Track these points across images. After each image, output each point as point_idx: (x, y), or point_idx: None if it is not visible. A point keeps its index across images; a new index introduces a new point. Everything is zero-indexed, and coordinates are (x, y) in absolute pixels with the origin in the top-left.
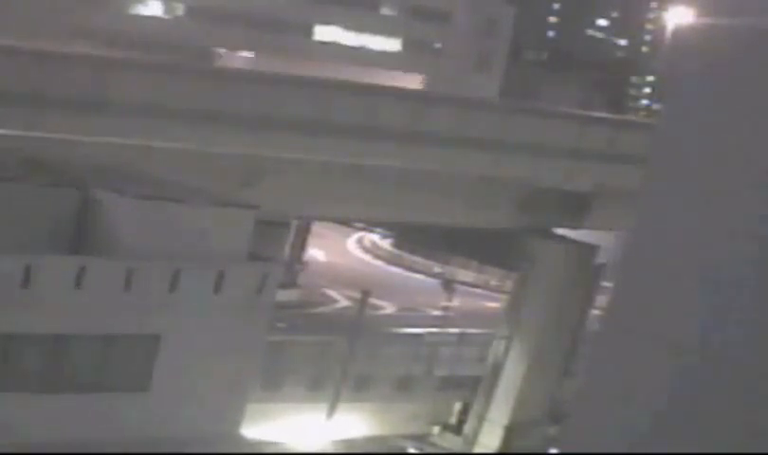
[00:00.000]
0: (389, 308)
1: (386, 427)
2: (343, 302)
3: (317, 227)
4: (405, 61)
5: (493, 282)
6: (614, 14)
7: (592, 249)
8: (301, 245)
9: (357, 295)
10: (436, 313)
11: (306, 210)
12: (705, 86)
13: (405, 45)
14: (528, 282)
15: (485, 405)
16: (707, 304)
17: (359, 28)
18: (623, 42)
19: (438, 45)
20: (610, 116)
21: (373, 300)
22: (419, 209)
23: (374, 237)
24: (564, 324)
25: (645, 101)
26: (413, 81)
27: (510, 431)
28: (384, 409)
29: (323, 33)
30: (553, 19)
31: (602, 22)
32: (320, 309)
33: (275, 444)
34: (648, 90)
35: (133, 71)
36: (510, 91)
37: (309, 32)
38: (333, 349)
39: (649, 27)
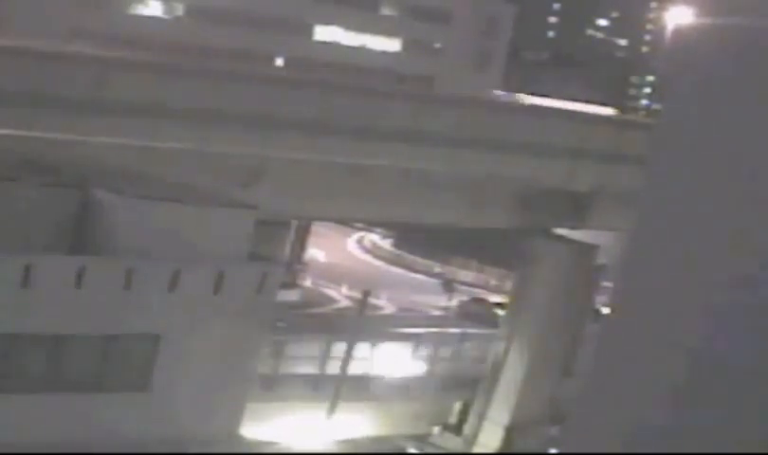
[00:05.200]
0: (389, 308)
1: (386, 427)
2: (343, 302)
3: (317, 227)
4: (405, 61)
5: (493, 282)
6: (614, 14)
7: (592, 249)
8: (301, 245)
9: (358, 295)
10: (436, 313)
11: (306, 210)
12: (705, 86)
13: (405, 45)
14: (528, 282)
15: (485, 405)
16: (707, 304)
17: (359, 28)
18: (623, 42)
19: (438, 45)
20: (610, 116)
21: (372, 300)
22: (419, 209)
23: (374, 237)
24: (564, 324)
25: (645, 101)
26: None
27: (510, 431)
28: (384, 409)
29: (323, 33)
30: (553, 19)
31: (602, 22)
32: (320, 309)
33: (275, 444)
34: (648, 90)
35: (133, 71)
36: (510, 91)
37: (309, 32)
38: (333, 349)
39: (649, 27)
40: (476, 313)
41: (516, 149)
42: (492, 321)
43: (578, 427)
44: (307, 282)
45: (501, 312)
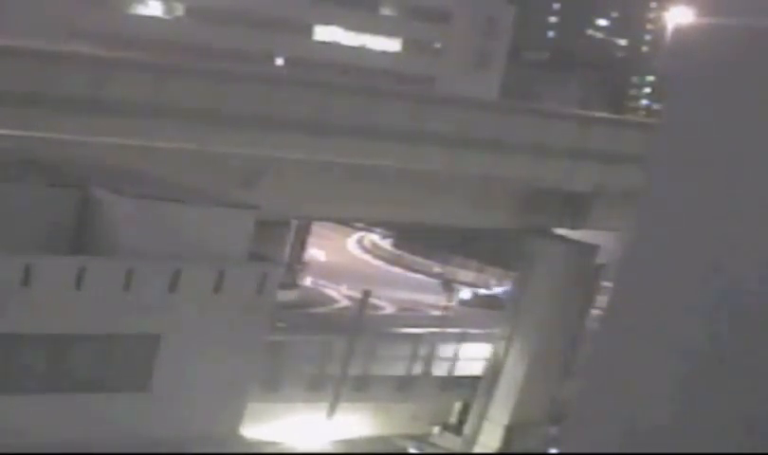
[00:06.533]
0: (389, 308)
1: (386, 428)
2: (343, 302)
3: (317, 227)
4: (405, 61)
5: (493, 282)
6: (614, 14)
7: (592, 249)
8: (301, 245)
9: (358, 294)
10: (436, 313)
11: (306, 210)
12: (705, 86)
13: (405, 45)
14: (528, 282)
15: (485, 405)
16: (707, 304)
17: (359, 28)
18: (623, 42)
19: (438, 45)
20: (610, 116)
21: (372, 300)
22: (419, 209)
23: (374, 237)
24: (564, 324)
25: (645, 101)
26: None
27: (510, 431)
28: (384, 409)
29: (323, 33)
30: (553, 19)
31: (602, 22)
32: (320, 309)
33: (275, 444)
34: (648, 90)
35: (133, 71)
36: (510, 91)
37: (309, 32)
38: (333, 349)
39: (649, 27)
40: None
41: (516, 149)
42: None
43: (578, 427)
44: (307, 282)
45: None
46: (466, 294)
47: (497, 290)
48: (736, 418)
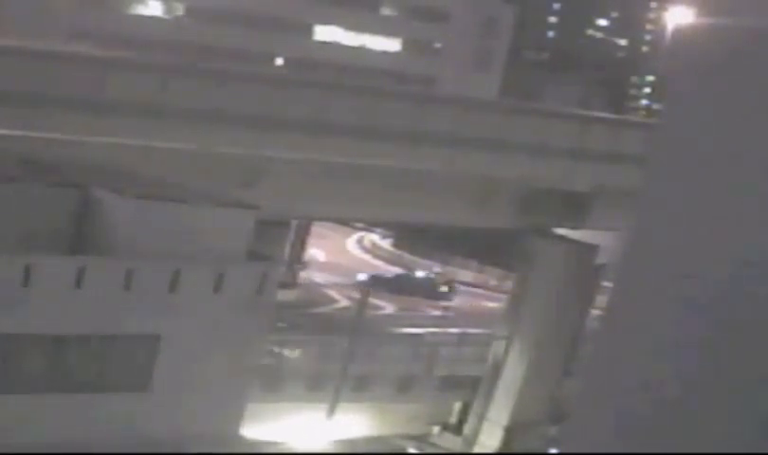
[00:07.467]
0: (388, 308)
1: (386, 427)
2: (343, 302)
3: (317, 227)
4: (405, 61)
5: (493, 282)
6: (614, 14)
7: (592, 249)
8: (301, 245)
9: (357, 294)
10: (436, 313)
11: (306, 210)
12: (705, 86)
13: (405, 45)
14: (528, 282)
15: (485, 405)
16: (707, 304)
17: (359, 28)
18: (623, 42)
19: (438, 45)
20: (610, 116)
21: (373, 300)
22: (419, 209)
23: (374, 237)
24: (564, 324)
25: (645, 101)
26: None
27: (510, 431)
28: (384, 409)
29: (323, 33)
30: (553, 19)
31: (602, 22)
32: (320, 309)
33: (275, 444)
34: (648, 90)
35: (133, 71)
36: (510, 91)
37: (309, 32)
38: (333, 349)
39: (649, 27)
40: None
41: (516, 149)
42: None
43: (578, 427)
44: (307, 282)
45: None
46: (362, 276)
47: (396, 273)
48: (736, 417)
